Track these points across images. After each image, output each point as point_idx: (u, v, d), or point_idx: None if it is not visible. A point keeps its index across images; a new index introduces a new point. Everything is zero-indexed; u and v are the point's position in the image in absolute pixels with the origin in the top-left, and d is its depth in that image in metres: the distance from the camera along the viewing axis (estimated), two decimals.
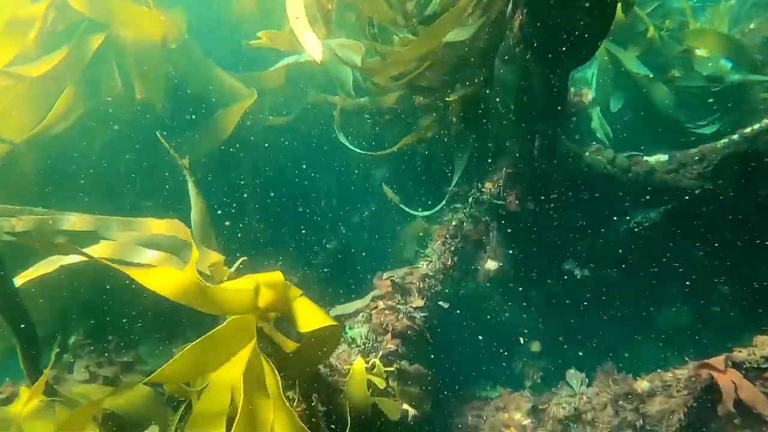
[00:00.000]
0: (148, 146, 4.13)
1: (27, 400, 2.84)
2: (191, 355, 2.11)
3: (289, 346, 2.43)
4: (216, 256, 2.69)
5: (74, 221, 2.68)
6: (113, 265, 2.05)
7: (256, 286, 2.17)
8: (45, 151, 3.84)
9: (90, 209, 2.98)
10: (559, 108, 3.73)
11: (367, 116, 4.80)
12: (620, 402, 3.01)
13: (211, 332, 2.08)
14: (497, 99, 4.24)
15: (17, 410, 2.93)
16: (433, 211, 4.31)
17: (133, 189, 4.25)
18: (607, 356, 4.98)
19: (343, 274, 5.14)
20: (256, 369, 2.18)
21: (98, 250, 2.59)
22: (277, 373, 2.16)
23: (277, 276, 2.33)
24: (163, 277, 2.01)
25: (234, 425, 2.00)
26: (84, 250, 2.25)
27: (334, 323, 2.32)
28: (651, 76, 5.14)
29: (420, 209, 4.41)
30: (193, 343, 2.10)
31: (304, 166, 5.30)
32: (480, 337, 4.40)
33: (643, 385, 2.99)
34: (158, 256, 2.53)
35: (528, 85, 3.67)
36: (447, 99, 3.84)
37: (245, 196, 5.08)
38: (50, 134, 3.77)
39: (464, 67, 3.78)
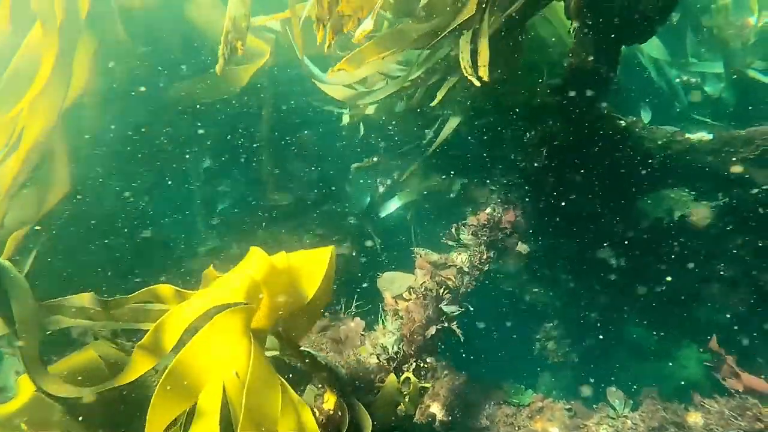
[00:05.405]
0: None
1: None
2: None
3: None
4: None
5: None
6: None
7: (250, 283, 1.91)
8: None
9: None
10: (606, 82, 3.38)
11: None
12: None
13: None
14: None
15: (13, 408, 2.72)
16: None
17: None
18: (636, 350, 4.82)
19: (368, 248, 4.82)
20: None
21: None
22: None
23: (256, 256, 2.10)
24: None
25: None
26: None
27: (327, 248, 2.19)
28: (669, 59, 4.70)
29: None
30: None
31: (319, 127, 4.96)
32: (510, 330, 4.14)
33: (696, 418, 2.72)
34: None
35: (576, 59, 3.28)
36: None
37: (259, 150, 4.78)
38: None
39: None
